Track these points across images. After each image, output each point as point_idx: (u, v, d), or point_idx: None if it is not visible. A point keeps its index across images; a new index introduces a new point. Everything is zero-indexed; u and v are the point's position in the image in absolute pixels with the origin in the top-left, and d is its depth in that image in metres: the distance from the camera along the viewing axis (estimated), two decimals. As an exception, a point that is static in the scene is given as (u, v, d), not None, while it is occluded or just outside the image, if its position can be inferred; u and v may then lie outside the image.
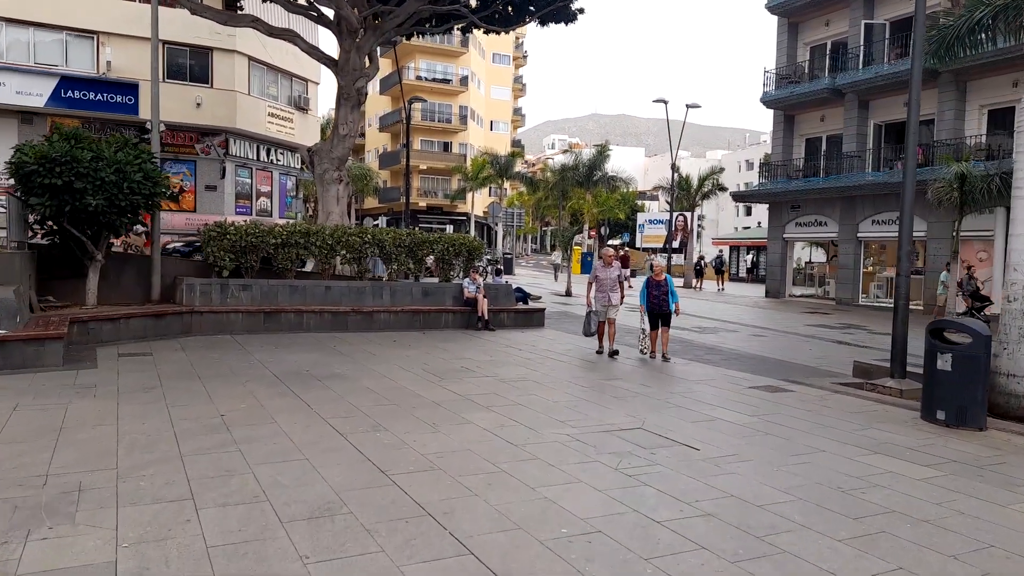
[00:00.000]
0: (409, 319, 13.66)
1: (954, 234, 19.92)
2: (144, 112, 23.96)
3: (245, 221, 13.86)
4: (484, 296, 14.17)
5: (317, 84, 32.44)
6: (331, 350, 10.55)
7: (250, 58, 26.21)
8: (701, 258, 45.75)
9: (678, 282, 35.04)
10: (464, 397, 7.68)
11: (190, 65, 25.18)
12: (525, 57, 73.02)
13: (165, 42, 24.36)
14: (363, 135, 66.84)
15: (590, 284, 11.55)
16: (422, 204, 55.94)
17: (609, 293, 11.16)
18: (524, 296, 16.43)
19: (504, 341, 12.56)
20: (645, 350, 11.36)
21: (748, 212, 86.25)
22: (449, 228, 48.94)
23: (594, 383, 8.91)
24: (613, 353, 11.11)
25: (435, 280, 15.43)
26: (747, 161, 79.55)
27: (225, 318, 12.06)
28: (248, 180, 27.91)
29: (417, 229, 17.48)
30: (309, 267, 15.14)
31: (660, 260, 13.79)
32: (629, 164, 57.21)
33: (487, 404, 7.38)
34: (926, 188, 19.81)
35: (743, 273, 44.75)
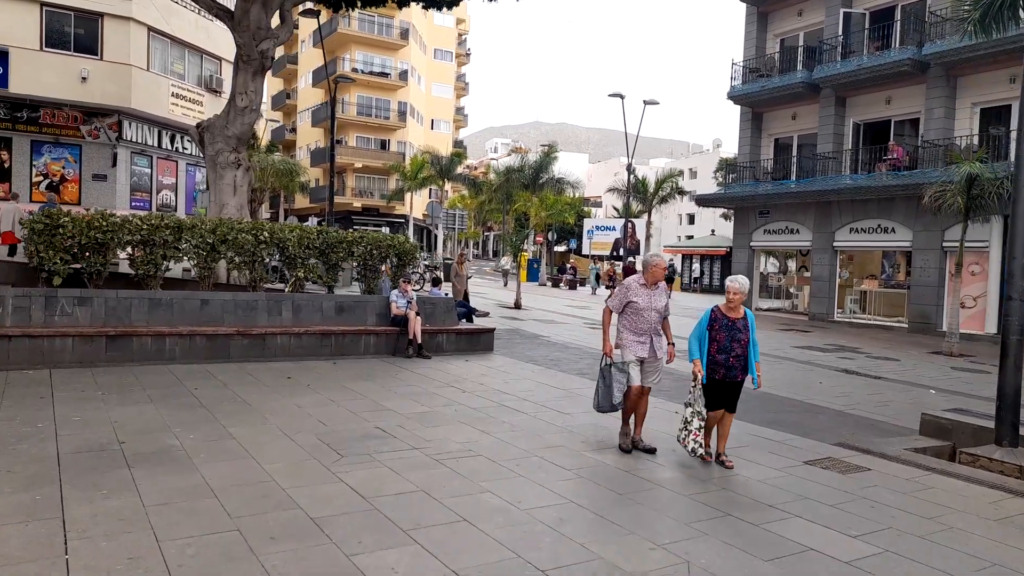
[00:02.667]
0: (316, 343, 10.37)
1: (958, 244, 17.81)
2: (17, 85, 19.93)
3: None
4: (417, 313, 11.01)
5: (231, 63, 28.70)
6: (183, 398, 7.20)
7: (150, 28, 22.37)
8: (670, 264, 43.81)
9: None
10: (368, 503, 4.53)
11: (75, 33, 21.20)
12: (468, 55, 70.01)
13: (44, 3, 20.43)
14: (294, 130, 62.60)
15: (609, 313, 6.48)
16: (356, 205, 52.20)
17: (652, 336, 6.23)
18: (468, 311, 13.35)
19: (442, 375, 9.43)
20: (695, 445, 5.93)
21: (692, 221, 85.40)
22: (385, 230, 45.38)
23: (603, 496, 5.45)
24: (649, 450, 6.23)
25: (356, 292, 12.19)
26: (691, 170, 78.40)
27: (47, 345, 8.54)
28: (147, 170, 23.98)
29: (338, 228, 14.20)
30: (180, 273, 11.70)
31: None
32: (573, 170, 54.73)
33: (408, 523, 4.25)
34: (920, 192, 17.66)
35: (702, 283, 42.67)
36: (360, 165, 51.62)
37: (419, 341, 10.90)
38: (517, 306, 20.69)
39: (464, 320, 13.17)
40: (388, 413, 7.03)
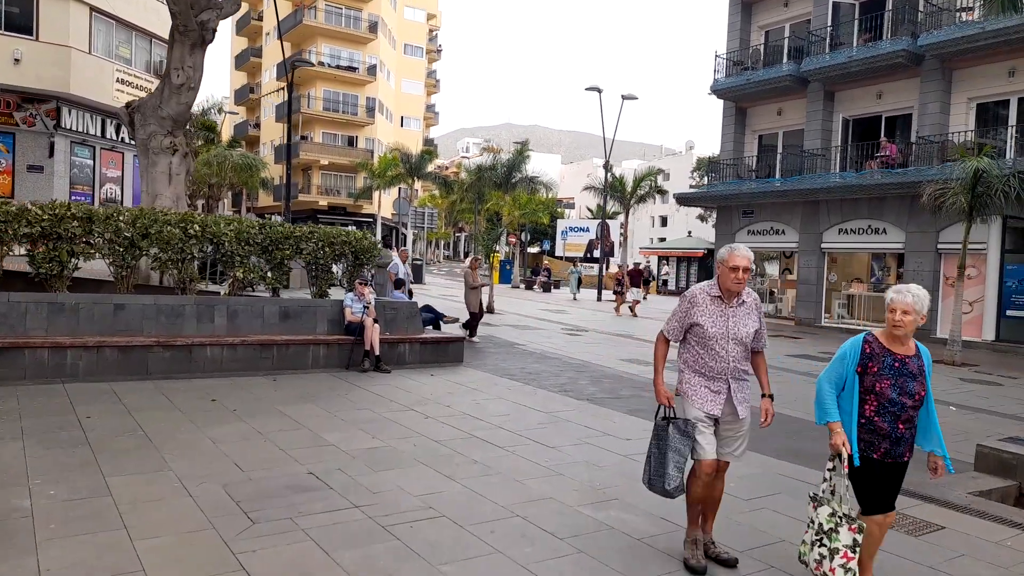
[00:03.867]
0: (255, 356, 8.85)
1: (954, 245, 16.85)
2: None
3: None
4: (375, 320, 9.56)
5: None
6: (66, 431, 5.67)
7: (92, 8, 20.58)
8: (647, 267, 42.57)
9: (598, 295, 31.54)
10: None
11: (6, 11, 19.33)
12: (439, 51, 68.43)
13: (-35, -26, 18.59)
14: (258, 126, 60.46)
15: (664, 344, 4.10)
16: (323, 203, 50.38)
17: (730, 382, 3.94)
18: (436, 317, 11.91)
19: (402, 395, 7.99)
20: (846, 573, 3.42)
21: (664, 223, 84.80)
22: (352, 230, 43.64)
23: None
24: (727, 562, 3.94)
25: (306, 295, 10.69)
26: (664, 172, 77.65)
27: (-89, 360, 6.94)
28: (89, 161, 22.15)
29: (284, 222, 12.67)
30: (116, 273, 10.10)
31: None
32: (547, 171, 53.44)
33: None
34: (917, 191, 16.65)
35: (673, 285, 41.69)
36: (326, 162, 49.81)
37: (377, 352, 9.44)
38: (489, 310, 19.28)
39: (431, 327, 11.74)
40: (328, 450, 5.58)
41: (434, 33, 66.78)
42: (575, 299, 28.56)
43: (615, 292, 23.62)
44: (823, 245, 21.12)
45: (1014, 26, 16.43)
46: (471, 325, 12.90)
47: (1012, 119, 17.72)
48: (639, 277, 23.91)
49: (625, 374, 10.88)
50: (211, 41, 12.20)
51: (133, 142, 22.79)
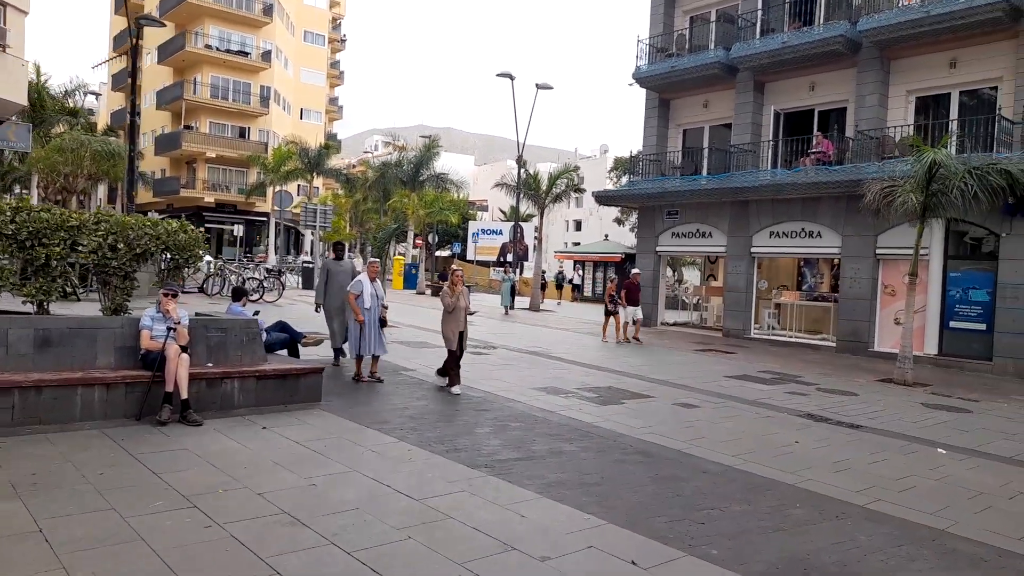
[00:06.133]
0: (-24, 408, 5.74)
1: (894, 251, 15.31)
2: None
3: None
4: (185, 348, 6.61)
5: (25, 14, 22.63)
6: None
7: None
8: (560, 271, 40.57)
9: (522, 303, 28.72)
10: None
11: None
12: (343, 41, 64.51)
13: None
14: (137, 113, 54.87)
15: None
16: (209, 199, 45.84)
17: None
18: (292, 338, 8.98)
19: (195, 473, 5.09)
20: None
21: (579, 227, 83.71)
22: (238, 229, 39.60)
23: None
24: None
25: (98, 313, 7.58)
26: (579, 175, 76.49)
27: None
28: None
29: (68, 210, 9.35)
30: None
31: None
32: (459, 170, 50.78)
33: None
34: (858, 190, 14.96)
35: (589, 291, 39.74)
36: (214, 155, 45.32)
37: (184, 395, 6.50)
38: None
39: (284, 352, 8.83)
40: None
41: (338, 22, 62.91)
42: (507, 313, 24.07)
43: (606, 311, 17.42)
44: (753, 249, 19.34)
45: (960, 10, 15.02)
46: (449, 369, 9.23)
47: (953, 113, 16.39)
48: (638, 292, 17.59)
49: (539, 412, 8.34)
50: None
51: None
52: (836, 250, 17.66)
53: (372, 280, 9.55)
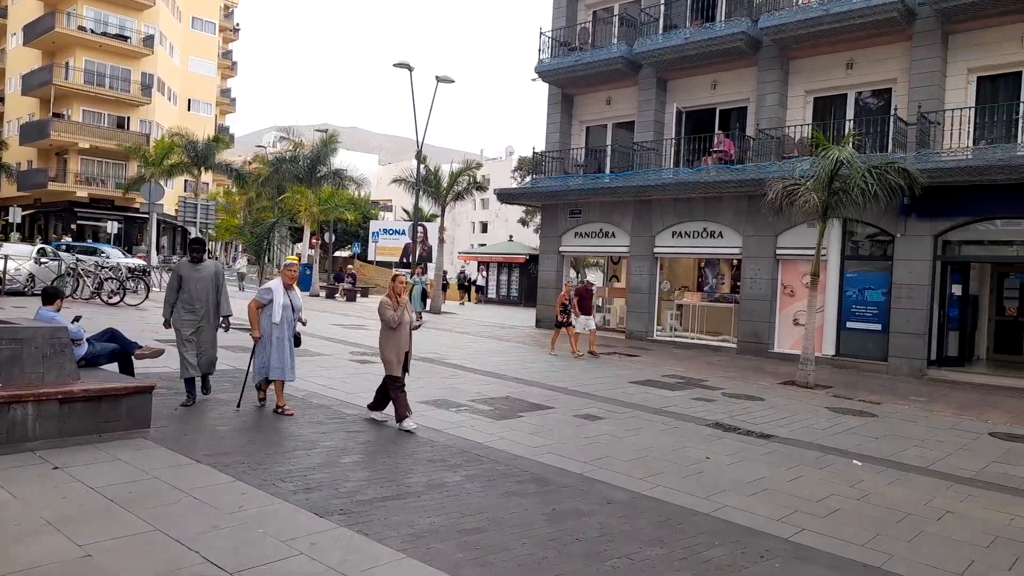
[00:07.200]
0: None
1: (795, 252, 15.13)
2: None
3: None
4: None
5: None
6: None
7: None
8: (462, 271, 39.52)
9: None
10: None
11: None
12: (236, 31, 61.07)
13: None
14: (2, 100, 49.87)
15: None
16: (82, 194, 41.99)
17: None
18: (124, 349, 7.46)
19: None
20: None
21: (484, 229, 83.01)
22: (112, 226, 36.32)
23: None
24: None
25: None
26: (484, 176, 75.77)
27: None
28: None
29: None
30: None
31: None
32: (362, 169, 48.86)
33: None
34: (760, 190, 14.68)
35: (494, 293, 38.79)
36: (88, 145, 41.52)
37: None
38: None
39: (117, 366, 7.32)
40: None
41: (230, 10, 59.49)
42: (419, 320, 22.46)
43: (558, 322, 15.20)
44: (656, 249, 18.92)
45: (857, 9, 15.00)
46: (393, 400, 7.34)
47: (850, 114, 16.44)
48: (591, 299, 15.67)
49: (424, 431, 7.23)
50: None
51: None
52: (737, 250, 17.44)
53: (288, 288, 7.80)
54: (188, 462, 5.53)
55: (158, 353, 7.48)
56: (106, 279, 16.81)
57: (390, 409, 7.51)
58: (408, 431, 7.12)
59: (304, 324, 8.10)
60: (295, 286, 7.98)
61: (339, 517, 4.52)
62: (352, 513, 4.63)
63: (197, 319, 7.63)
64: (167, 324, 7.70)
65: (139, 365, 7.80)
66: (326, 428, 7.09)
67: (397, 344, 7.41)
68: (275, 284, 7.74)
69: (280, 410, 7.52)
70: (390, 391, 7.40)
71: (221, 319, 7.88)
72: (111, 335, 7.46)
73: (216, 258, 59.73)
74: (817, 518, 5.46)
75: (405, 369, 7.49)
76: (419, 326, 8.09)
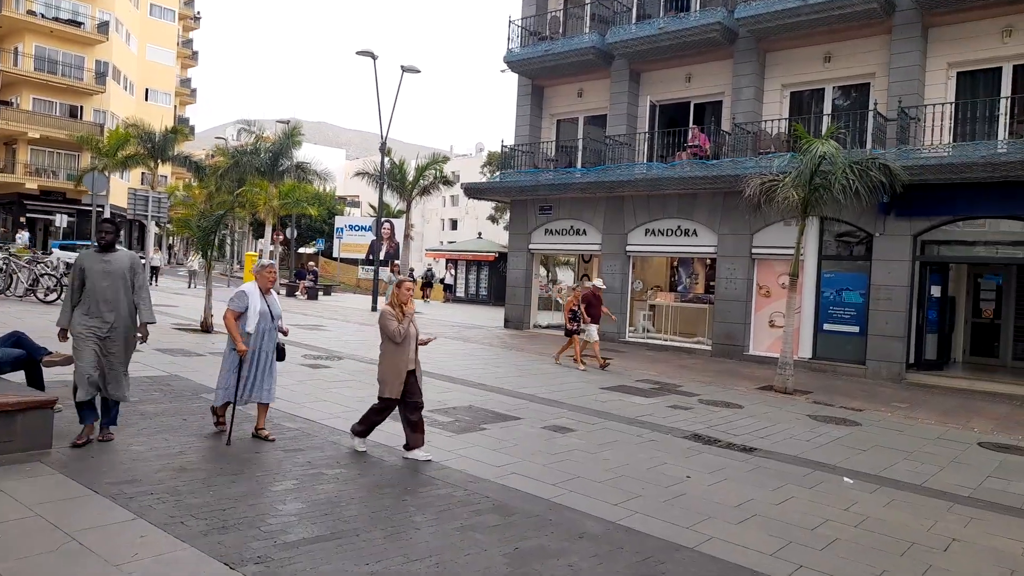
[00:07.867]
0: None
1: (772, 251, 14.61)
2: None
3: None
4: None
5: None
6: None
7: None
8: (428, 269, 38.78)
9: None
10: None
11: None
12: (197, 19, 59.22)
13: None
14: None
15: None
16: (32, 186, 40.16)
17: None
18: (29, 355, 6.54)
19: None
20: None
21: (454, 226, 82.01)
22: (61, 219, 34.73)
23: None
24: None
25: None
26: (454, 173, 74.91)
27: None
28: None
29: None
30: None
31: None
32: (328, 164, 47.59)
33: None
34: (734, 187, 14.15)
35: (463, 292, 37.91)
36: (38, 135, 39.67)
37: None
38: (205, 328, 13.84)
39: (23, 374, 6.40)
40: None
41: (191, -3, 57.67)
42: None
43: (567, 329, 13.88)
44: (628, 248, 18.30)
45: (838, 2, 14.51)
46: (369, 418, 6.46)
47: (827, 108, 15.98)
48: (600, 306, 13.96)
49: (374, 448, 6.45)
50: None
51: None
52: (712, 249, 16.89)
53: (266, 292, 6.65)
54: (86, 493, 4.68)
55: (69, 360, 6.58)
56: (42, 275, 15.63)
57: (392, 438, 6.68)
58: (417, 459, 6.29)
59: (286, 334, 6.87)
60: (273, 291, 6.83)
61: (254, 568, 3.73)
62: (271, 561, 3.83)
63: (104, 329, 5.95)
64: (63, 335, 6.11)
65: (49, 373, 6.88)
66: (260, 449, 6.27)
67: (401, 361, 6.26)
68: (250, 288, 6.56)
69: (258, 433, 6.60)
70: (373, 411, 6.41)
71: (138, 329, 6.25)
72: (16, 339, 6.54)
73: (184, 256, 57.78)
74: (814, 551, 4.81)
75: (409, 392, 6.32)
76: (427, 342, 6.76)
